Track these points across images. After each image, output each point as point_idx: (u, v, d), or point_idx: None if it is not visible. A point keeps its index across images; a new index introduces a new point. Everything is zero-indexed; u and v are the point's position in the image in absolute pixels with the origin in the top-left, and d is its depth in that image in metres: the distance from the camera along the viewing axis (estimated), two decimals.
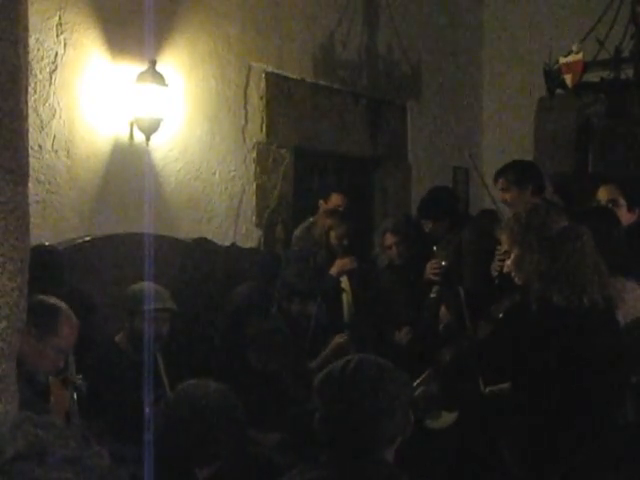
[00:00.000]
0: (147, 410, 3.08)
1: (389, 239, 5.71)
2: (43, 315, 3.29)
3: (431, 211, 5.49)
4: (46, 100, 4.61)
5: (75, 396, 3.62)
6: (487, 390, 3.72)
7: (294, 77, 6.37)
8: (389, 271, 5.74)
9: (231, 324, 4.72)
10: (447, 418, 4.38)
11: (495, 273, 4.49)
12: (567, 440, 3.24)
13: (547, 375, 3.29)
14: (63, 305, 3.50)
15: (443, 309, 4.98)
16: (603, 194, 5.06)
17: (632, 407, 3.81)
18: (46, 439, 0.96)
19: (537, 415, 3.33)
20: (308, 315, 4.98)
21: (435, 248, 5.24)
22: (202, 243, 5.44)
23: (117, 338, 4.32)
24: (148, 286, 4.22)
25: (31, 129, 4.21)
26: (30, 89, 4.33)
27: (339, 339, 4.97)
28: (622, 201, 4.86)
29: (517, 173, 5.01)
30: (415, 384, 4.07)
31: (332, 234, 5.47)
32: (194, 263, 5.27)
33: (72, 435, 1.02)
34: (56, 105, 4.65)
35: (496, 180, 5.10)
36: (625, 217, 4.69)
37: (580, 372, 3.26)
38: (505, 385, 3.60)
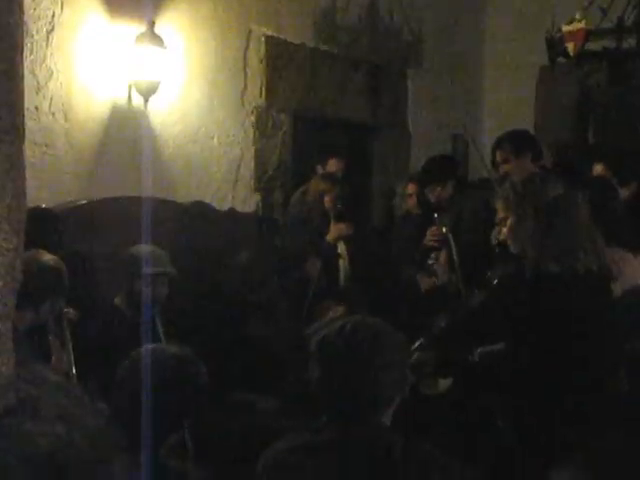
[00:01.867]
0: (144, 373, 3.04)
1: (411, 188, 6.08)
2: None
3: (434, 174, 5.48)
4: (43, 61, 4.57)
5: (72, 358, 3.65)
6: (479, 351, 3.74)
7: (294, 41, 6.33)
8: (406, 218, 6.11)
9: (229, 291, 4.74)
10: (441, 385, 4.40)
11: (495, 241, 4.50)
12: (560, 407, 3.26)
13: (540, 342, 3.30)
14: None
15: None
16: (596, 172, 5.08)
17: (625, 375, 3.83)
18: (38, 395, 0.97)
19: (530, 382, 3.35)
20: (308, 279, 5.01)
21: (436, 215, 5.25)
22: (200, 207, 5.44)
23: (116, 300, 4.33)
24: (147, 249, 4.23)
25: (27, 91, 4.19)
26: (26, 50, 4.31)
27: (334, 314, 4.99)
28: (613, 180, 4.87)
29: (514, 143, 5.00)
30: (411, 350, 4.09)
31: (327, 199, 5.48)
32: (192, 227, 5.28)
33: (65, 393, 1.02)
34: (53, 66, 4.61)
35: (494, 154, 5.09)
36: None
37: (573, 339, 3.28)
38: (497, 346, 3.62)
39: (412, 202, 6.16)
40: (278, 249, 5.33)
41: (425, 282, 5.41)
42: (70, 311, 3.87)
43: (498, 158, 5.01)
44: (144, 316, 4.12)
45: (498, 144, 5.07)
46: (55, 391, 1.01)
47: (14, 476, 0.86)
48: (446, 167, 5.59)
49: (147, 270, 4.14)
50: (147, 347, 2.84)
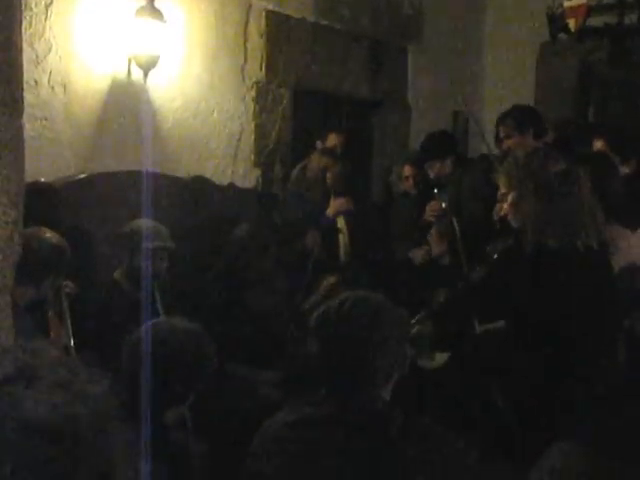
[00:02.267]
0: (145, 348, 3.04)
1: (407, 170, 6.11)
2: None
3: (433, 150, 5.47)
4: (42, 34, 4.53)
5: (71, 332, 3.66)
6: (482, 328, 3.75)
7: (295, 16, 6.29)
8: (403, 198, 6.16)
9: (229, 266, 4.74)
10: (438, 358, 4.42)
11: (497, 217, 4.50)
12: (559, 383, 3.27)
13: (539, 318, 3.31)
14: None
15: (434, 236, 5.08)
16: (596, 148, 5.07)
17: (623, 352, 3.85)
18: (36, 365, 0.97)
19: (529, 359, 3.35)
20: (307, 254, 5.02)
21: (435, 190, 5.24)
22: (200, 182, 5.44)
23: (115, 275, 4.34)
24: (146, 223, 4.24)
25: (26, 64, 4.17)
26: (25, 23, 4.28)
27: (329, 282, 5.00)
28: (613, 156, 4.86)
29: (517, 119, 5.00)
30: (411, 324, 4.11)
31: (328, 174, 5.47)
32: (191, 202, 5.28)
33: (63, 362, 1.02)
34: (52, 40, 4.58)
35: (497, 129, 5.08)
36: None
37: (572, 315, 3.29)
38: (499, 323, 3.62)
39: (409, 184, 6.18)
40: (277, 223, 5.32)
41: (418, 255, 5.43)
42: (69, 284, 3.88)
43: (501, 133, 5.00)
44: (143, 291, 4.14)
45: (501, 119, 5.06)
46: (53, 362, 1.01)
47: (12, 444, 0.87)
48: (445, 143, 5.58)
49: (147, 244, 4.14)
50: (157, 321, 2.87)
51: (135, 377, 2.64)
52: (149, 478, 2.10)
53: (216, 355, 2.84)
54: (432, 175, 5.47)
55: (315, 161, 5.57)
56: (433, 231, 5.11)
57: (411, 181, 6.12)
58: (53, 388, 0.95)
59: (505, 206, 3.54)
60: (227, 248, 4.84)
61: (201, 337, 2.82)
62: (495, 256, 3.94)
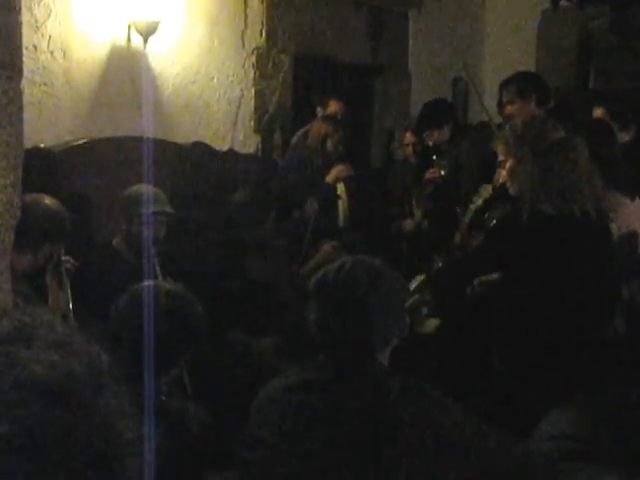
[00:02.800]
0: (147, 312, 3.03)
1: (408, 137, 6.17)
2: None
3: (431, 119, 5.47)
4: None
5: (69, 297, 3.67)
6: (477, 282, 3.76)
7: None
8: (403, 165, 6.21)
9: (227, 231, 4.74)
10: (430, 324, 4.44)
11: (497, 183, 4.50)
12: (556, 349, 3.29)
13: (537, 284, 3.32)
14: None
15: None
16: (595, 115, 5.06)
17: (622, 320, 3.86)
18: (33, 324, 0.97)
19: (526, 325, 3.37)
20: (306, 220, 5.02)
21: (434, 157, 5.24)
22: (199, 148, 5.43)
23: (114, 241, 4.33)
24: (146, 189, 4.23)
25: (26, 29, 4.14)
26: None
27: (327, 248, 5.01)
28: (612, 123, 4.84)
29: (519, 85, 4.96)
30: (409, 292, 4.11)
31: (329, 141, 5.47)
32: (191, 167, 5.27)
33: (60, 323, 1.03)
34: (51, 4, 4.54)
35: (500, 93, 5.05)
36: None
37: (569, 282, 3.30)
38: (495, 276, 3.63)
39: (409, 151, 6.22)
40: (277, 189, 5.32)
41: (407, 225, 5.52)
42: (69, 260, 3.86)
43: (505, 98, 4.97)
44: (142, 256, 4.14)
45: (504, 85, 5.02)
46: (51, 322, 1.02)
47: (10, 403, 0.87)
48: (443, 111, 5.57)
49: (146, 210, 4.13)
50: (144, 284, 2.85)
51: (123, 340, 2.66)
52: (147, 443, 2.11)
53: (204, 318, 2.83)
54: (430, 143, 5.47)
55: (316, 128, 5.55)
56: (414, 200, 5.17)
57: (411, 148, 6.16)
58: (51, 347, 0.95)
59: (503, 173, 3.55)
60: (226, 213, 4.84)
61: (188, 299, 2.80)
62: (493, 223, 3.95)
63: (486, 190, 4.70)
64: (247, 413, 2.38)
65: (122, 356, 2.58)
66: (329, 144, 5.45)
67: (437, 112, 5.53)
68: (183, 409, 2.84)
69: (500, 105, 5.28)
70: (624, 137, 5.03)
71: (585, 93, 7.45)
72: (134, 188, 4.26)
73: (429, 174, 5.29)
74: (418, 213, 5.34)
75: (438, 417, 2.17)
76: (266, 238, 4.65)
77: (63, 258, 3.73)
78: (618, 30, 6.96)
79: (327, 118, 5.68)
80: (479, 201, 4.72)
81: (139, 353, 2.53)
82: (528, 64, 7.43)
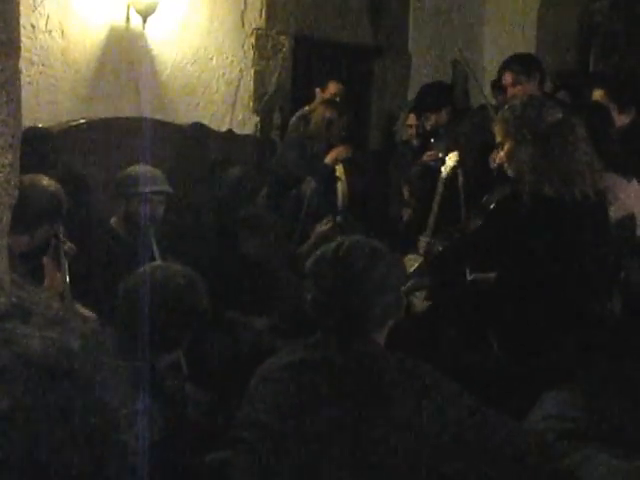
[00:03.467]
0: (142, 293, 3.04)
1: (412, 119, 6.17)
2: None
3: (429, 102, 5.46)
4: None
5: (67, 277, 3.67)
6: (472, 277, 3.76)
7: None
8: (404, 147, 6.23)
9: (219, 209, 4.74)
10: (420, 305, 4.46)
11: (494, 165, 4.49)
12: (555, 330, 3.30)
13: (536, 266, 3.32)
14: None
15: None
16: (595, 98, 5.03)
17: (619, 301, 3.87)
18: (30, 301, 0.98)
19: (525, 306, 3.37)
20: (302, 199, 5.03)
21: (432, 140, 5.24)
22: (198, 128, 5.42)
23: (112, 221, 4.33)
24: (143, 169, 4.23)
25: (24, 8, 4.13)
26: None
27: (323, 227, 5.01)
28: (612, 105, 4.81)
29: (524, 64, 4.90)
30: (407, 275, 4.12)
31: (333, 127, 5.45)
32: (190, 148, 5.27)
33: (56, 301, 1.03)
34: None
35: (502, 74, 4.98)
36: (616, 119, 4.64)
37: (569, 264, 3.30)
38: (491, 274, 3.64)
39: (412, 132, 6.22)
40: (275, 168, 5.32)
41: (405, 213, 5.54)
42: (69, 245, 3.85)
43: (508, 79, 4.90)
44: (140, 236, 4.14)
45: (507, 65, 4.95)
46: (48, 300, 1.02)
47: (7, 379, 0.88)
48: (439, 95, 5.57)
49: (144, 189, 4.13)
50: (151, 265, 2.87)
51: (129, 321, 2.66)
52: (144, 421, 2.12)
53: (210, 301, 2.85)
54: (428, 126, 5.46)
55: (320, 112, 5.53)
56: (405, 192, 5.18)
57: (414, 130, 6.15)
58: (48, 324, 0.96)
59: (501, 154, 3.54)
60: (221, 187, 4.83)
61: (195, 281, 2.82)
62: (492, 206, 3.95)
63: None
64: (244, 392, 2.39)
65: (125, 336, 2.59)
66: (333, 129, 5.43)
67: (434, 95, 5.52)
68: (180, 388, 2.85)
69: (495, 87, 5.25)
70: (624, 119, 5.01)
71: (586, 75, 7.42)
72: (132, 168, 4.26)
73: (427, 157, 5.29)
74: (412, 200, 5.35)
75: (435, 397, 2.18)
76: (258, 214, 4.64)
77: (63, 241, 3.73)
78: (618, 12, 6.93)
79: (331, 102, 5.65)
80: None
81: (144, 332, 2.56)
82: (528, 46, 7.40)
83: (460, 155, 5.02)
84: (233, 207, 4.63)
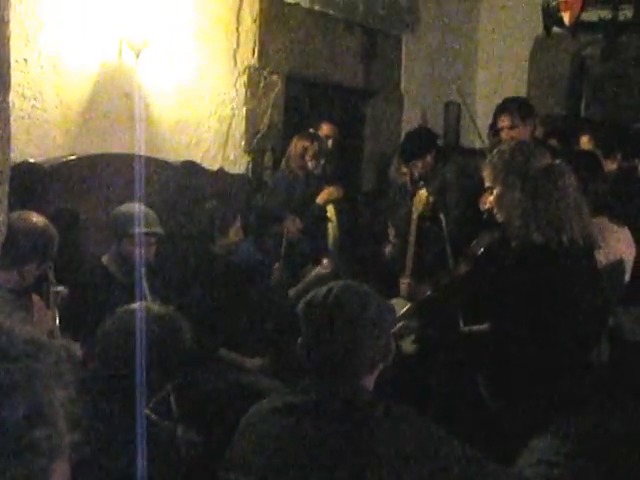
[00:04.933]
0: (138, 335, 2.99)
1: (404, 167, 6.00)
2: None
3: (412, 150, 5.48)
4: (32, 11, 4.46)
5: (57, 315, 3.63)
6: (466, 329, 3.75)
7: (289, 1, 6.26)
8: (400, 192, 6.09)
9: (196, 243, 4.73)
10: (409, 347, 4.45)
11: (484, 207, 4.49)
12: (543, 377, 3.28)
13: (524, 313, 3.31)
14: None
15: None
16: (582, 143, 5.07)
17: (607, 348, 3.86)
18: (9, 324, 0.99)
19: (514, 352, 3.36)
20: (282, 237, 5.04)
21: (421, 183, 5.25)
22: (189, 166, 5.41)
23: (104, 259, 4.30)
24: (137, 208, 4.21)
25: (16, 42, 4.13)
26: None
27: (322, 270, 5.01)
28: (597, 151, 4.86)
29: (522, 108, 4.94)
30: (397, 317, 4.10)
31: (307, 157, 5.46)
32: (181, 186, 5.25)
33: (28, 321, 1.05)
34: (43, 18, 4.51)
35: (499, 117, 5.00)
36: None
37: (557, 310, 3.29)
38: (485, 326, 3.62)
39: (405, 179, 6.20)
40: (258, 205, 5.33)
41: (387, 251, 5.53)
42: (60, 288, 3.81)
43: (504, 122, 4.93)
44: (132, 276, 4.12)
45: (504, 108, 4.98)
46: (23, 320, 1.04)
47: None
48: (422, 141, 5.58)
49: (137, 230, 4.12)
50: (131, 306, 2.83)
51: (107, 364, 2.62)
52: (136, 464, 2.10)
53: (192, 341, 2.81)
54: (416, 174, 5.47)
55: (293, 145, 5.54)
56: (390, 232, 5.20)
57: (409, 176, 6.15)
58: (25, 344, 0.99)
59: (490, 199, 3.54)
60: (198, 219, 4.84)
61: (176, 322, 2.78)
62: (480, 252, 3.95)
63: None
64: (233, 434, 2.37)
65: (108, 377, 2.55)
66: (307, 159, 5.44)
67: (417, 142, 5.53)
68: (171, 430, 2.82)
69: (492, 129, 5.27)
70: (609, 165, 5.05)
71: (576, 120, 7.49)
72: (125, 207, 4.25)
73: (417, 200, 5.28)
74: (397, 241, 5.36)
75: (422, 442, 2.16)
76: (231, 249, 4.65)
77: (52, 282, 3.70)
78: (610, 58, 7.00)
79: (304, 134, 5.65)
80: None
81: (125, 376, 2.52)
82: (520, 90, 7.48)
83: (443, 197, 5.04)
84: (206, 241, 4.63)
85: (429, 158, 5.38)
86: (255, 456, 2.25)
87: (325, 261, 5.10)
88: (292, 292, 5.00)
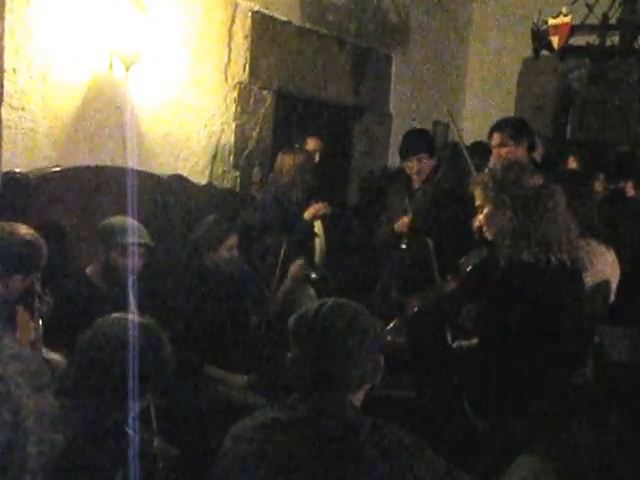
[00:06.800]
0: (116, 344, 2.95)
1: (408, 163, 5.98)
2: None
3: (414, 146, 5.39)
4: (22, 22, 4.43)
5: (41, 326, 3.61)
6: (455, 344, 3.75)
7: (281, 18, 6.30)
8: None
9: (190, 258, 4.70)
10: None
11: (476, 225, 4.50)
12: (528, 396, 3.29)
13: (511, 331, 3.32)
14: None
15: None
16: (570, 165, 5.10)
17: (591, 367, 3.87)
18: None
19: (500, 370, 3.36)
20: (277, 254, 5.02)
21: (407, 201, 5.24)
22: (178, 180, 5.40)
23: (88, 270, 4.28)
24: (124, 220, 4.20)
25: (6, 52, 4.13)
26: (5, 9, 4.23)
27: (294, 267, 5.01)
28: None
29: (514, 128, 4.94)
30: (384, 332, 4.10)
31: (292, 172, 5.41)
32: (168, 199, 5.24)
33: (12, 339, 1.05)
34: (33, 28, 4.49)
35: (491, 135, 5.01)
36: None
37: (544, 330, 3.30)
38: (472, 342, 3.63)
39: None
40: (246, 222, 5.32)
41: None
42: (45, 299, 3.78)
43: (495, 140, 4.93)
44: (116, 287, 4.10)
45: (499, 127, 4.99)
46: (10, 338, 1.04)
47: None
48: (417, 139, 5.49)
49: (129, 239, 4.10)
50: (112, 315, 2.80)
51: (87, 374, 2.60)
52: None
53: (172, 353, 2.78)
54: (414, 170, 5.40)
55: (278, 162, 5.49)
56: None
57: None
58: (9, 359, 0.99)
59: (480, 217, 3.55)
60: (189, 240, 4.81)
61: (155, 332, 2.75)
62: (468, 269, 3.95)
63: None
64: (214, 449, 2.36)
65: (86, 387, 2.54)
66: (293, 174, 5.40)
67: (419, 139, 5.44)
68: (149, 443, 2.79)
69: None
70: (596, 187, 5.08)
71: (563, 142, 7.54)
72: (114, 218, 4.24)
73: (403, 221, 5.25)
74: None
75: (407, 460, 2.15)
76: (223, 261, 4.62)
77: (38, 294, 3.66)
78: (597, 82, 7.07)
79: (288, 149, 5.62)
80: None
81: (103, 386, 2.52)
82: (507, 111, 7.51)
83: (429, 214, 5.06)
84: (199, 256, 4.61)
85: (424, 156, 5.29)
86: (241, 472, 2.24)
87: (297, 262, 5.08)
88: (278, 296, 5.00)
